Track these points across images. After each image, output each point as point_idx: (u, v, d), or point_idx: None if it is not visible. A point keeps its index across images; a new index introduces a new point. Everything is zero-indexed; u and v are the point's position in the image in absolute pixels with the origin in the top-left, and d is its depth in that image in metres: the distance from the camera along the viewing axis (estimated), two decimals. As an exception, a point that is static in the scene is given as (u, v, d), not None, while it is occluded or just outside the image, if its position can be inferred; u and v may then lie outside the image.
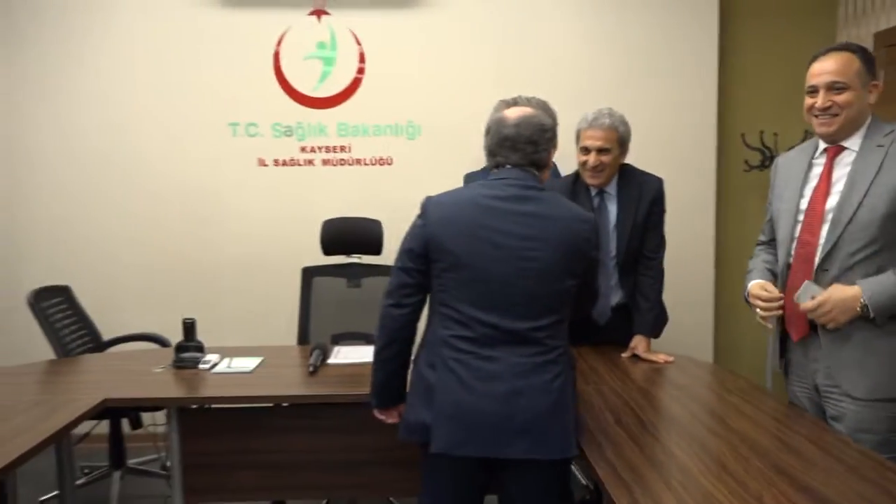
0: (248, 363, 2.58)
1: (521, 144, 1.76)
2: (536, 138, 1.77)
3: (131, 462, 3.35)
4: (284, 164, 3.72)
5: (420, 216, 1.76)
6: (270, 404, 2.52)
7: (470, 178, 3.21)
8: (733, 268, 3.79)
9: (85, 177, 3.70)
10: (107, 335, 3.33)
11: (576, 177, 2.70)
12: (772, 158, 3.65)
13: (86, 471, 3.29)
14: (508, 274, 1.68)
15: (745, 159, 3.87)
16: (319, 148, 3.73)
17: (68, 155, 3.69)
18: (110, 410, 2.57)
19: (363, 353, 2.61)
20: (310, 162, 3.73)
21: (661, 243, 2.73)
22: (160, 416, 3.23)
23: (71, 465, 2.65)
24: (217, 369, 2.54)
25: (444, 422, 1.67)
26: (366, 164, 3.76)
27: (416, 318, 1.79)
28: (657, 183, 2.70)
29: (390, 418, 1.90)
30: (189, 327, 2.64)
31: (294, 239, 3.61)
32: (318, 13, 3.69)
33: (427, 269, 1.74)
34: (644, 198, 2.65)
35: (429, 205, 1.76)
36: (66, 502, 2.62)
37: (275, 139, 3.71)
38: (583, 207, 2.67)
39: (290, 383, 2.42)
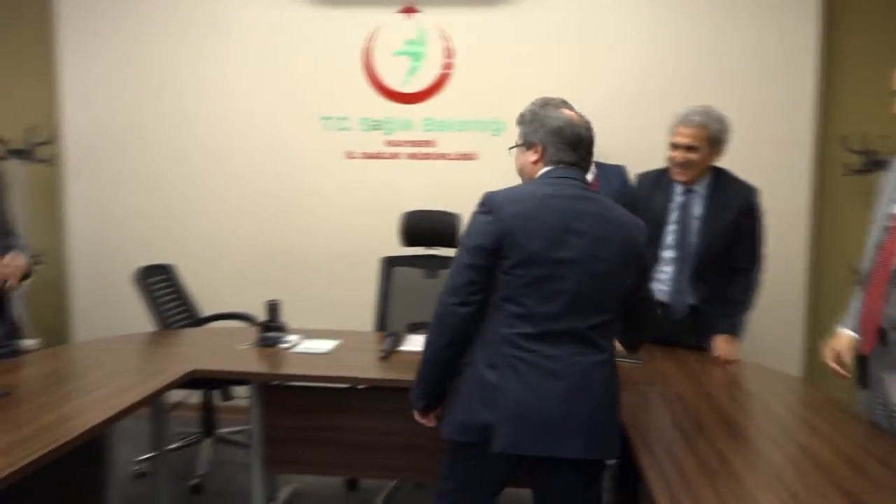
0: (325, 345, 2.72)
1: (585, 147, 1.81)
2: (592, 144, 1.84)
3: (221, 431, 3.60)
4: (371, 157, 3.86)
5: (486, 212, 1.72)
6: (345, 385, 2.65)
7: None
8: (830, 273, 3.62)
9: (189, 168, 3.98)
10: (205, 312, 3.59)
11: (663, 171, 2.72)
12: (876, 163, 3.45)
13: (180, 436, 3.55)
14: (580, 273, 1.69)
15: (847, 163, 3.66)
16: (406, 142, 3.85)
17: (175, 147, 3.98)
18: (202, 381, 2.78)
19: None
20: (395, 155, 3.85)
21: (755, 258, 2.67)
22: (246, 391, 3.44)
23: (165, 430, 2.88)
24: (296, 349, 2.70)
25: (509, 422, 1.67)
26: (450, 159, 3.84)
27: (480, 317, 1.75)
28: (750, 192, 2.64)
29: (430, 422, 1.90)
30: (273, 308, 2.81)
31: (378, 230, 3.73)
32: (409, 10, 3.79)
33: (494, 266, 1.71)
34: (733, 204, 2.61)
35: (495, 200, 1.72)
36: (159, 464, 2.85)
37: (363, 133, 3.86)
38: (663, 201, 2.73)
39: (363, 366, 2.53)
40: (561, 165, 1.79)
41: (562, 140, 1.79)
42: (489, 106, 3.79)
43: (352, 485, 3.23)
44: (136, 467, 3.29)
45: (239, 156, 3.95)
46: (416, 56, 3.82)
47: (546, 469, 1.74)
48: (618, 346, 2.03)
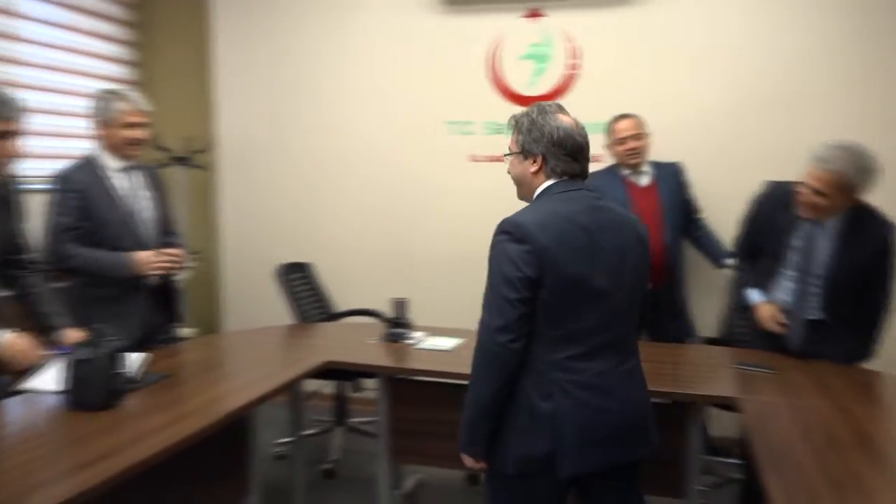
0: (449, 343, 2.83)
1: (585, 155, 1.76)
2: (589, 150, 1.78)
3: (352, 420, 3.81)
4: (495, 160, 3.93)
5: (518, 241, 1.64)
6: (466, 381, 2.73)
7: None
8: None
9: (326, 171, 4.25)
10: (339, 308, 3.82)
11: (792, 191, 2.50)
12: None
13: (315, 423, 3.81)
14: (615, 285, 1.69)
15: None
16: (530, 144, 3.89)
17: (314, 152, 4.26)
18: (335, 372, 2.97)
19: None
20: (520, 158, 3.90)
21: (882, 306, 2.49)
22: (374, 383, 3.63)
23: (301, 417, 3.11)
24: (421, 345, 2.83)
25: (572, 446, 1.65)
26: (575, 160, 3.84)
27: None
28: (888, 231, 2.43)
29: (480, 464, 1.78)
30: (400, 306, 2.96)
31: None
32: (534, 14, 3.83)
33: (536, 295, 1.64)
34: (869, 246, 2.42)
35: (525, 228, 1.64)
36: (296, 448, 3.08)
37: (487, 136, 3.95)
38: (786, 226, 2.53)
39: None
40: (565, 177, 1.74)
41: (563, 151, 1.73)
42: (614, 108, 3.72)
43: (472, 479, 3.32)
44: (276, 449, 3.57)
45: (370, 160, 4.16)
46: (541, 58, 3.85)
47: (600, 479, 1.75)
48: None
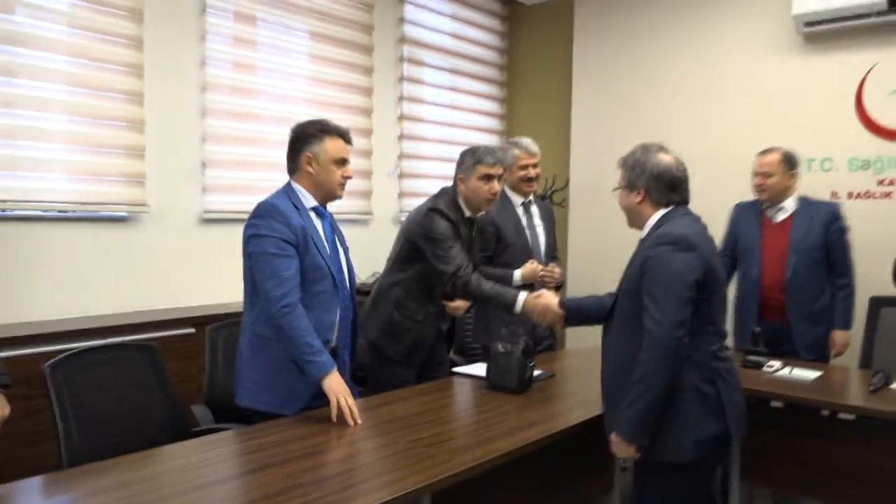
0: (809, 374, 2.89)
1: (684, 186, 2.13)
2: (688, 182, 2.15)
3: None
4: (859, 196, 3.84)
5: (687, 249, 1.96)
6: (827, 412, 2.78)
7: None
8: None
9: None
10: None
11: None
12: None
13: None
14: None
15: None
16: (900, 181, 3.73)
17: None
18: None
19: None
20: (888, 194, 3.76)
21: None
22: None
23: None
24: (778, 374, 2.93)
25: (734, 420, 2.00)
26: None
27: None
28: None
29: (636, 454, 1.99)
30: (756, 336, 3.10)
31: (870, 268, 3.63)
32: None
33: (699, 297, 1.96)
34: None
35: (691, 239, 1.98)
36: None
37: (850, 173, 3.87)
38: None
39: (851, 395, 2.64)
40: (671, 206, 2.09)
41: (662, 183, 2.08)
42: None
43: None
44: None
45: (723, 196, 4.24)
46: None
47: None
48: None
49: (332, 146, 2.24)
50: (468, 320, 3.40)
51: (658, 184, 2.08)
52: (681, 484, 2.03)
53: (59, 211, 3.14)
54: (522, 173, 3.25)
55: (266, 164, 3.86)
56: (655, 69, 4.61)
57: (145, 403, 2.25)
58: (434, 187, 2.99)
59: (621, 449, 2.00)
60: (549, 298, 2.52)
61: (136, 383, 2.25)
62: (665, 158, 2.10)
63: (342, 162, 2.27)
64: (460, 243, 2.74)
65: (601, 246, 4.84)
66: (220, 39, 3.70)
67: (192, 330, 3.23)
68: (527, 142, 3.32)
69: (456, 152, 2.99)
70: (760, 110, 4.17)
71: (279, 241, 2.14)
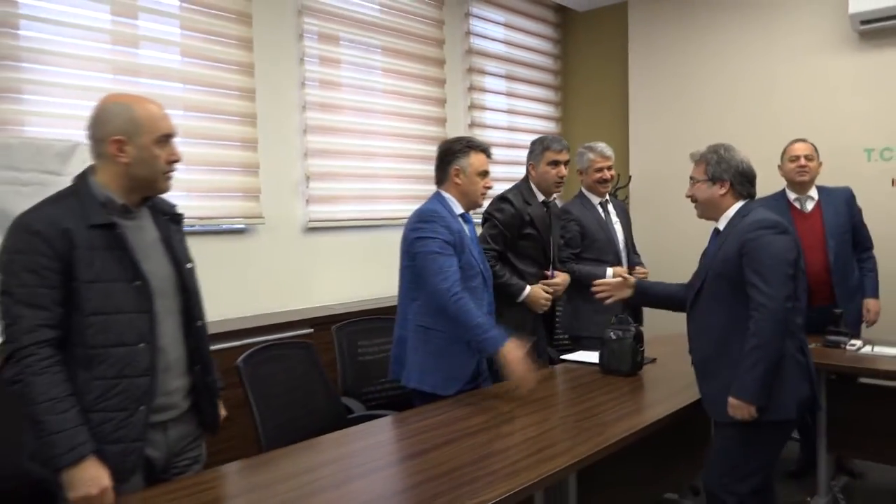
0: (891, 350, 3.11)
1: (755, 182, 2.41)
2: None
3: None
4: (917, 183, 4.06)
5: (783, 232, 2.23)
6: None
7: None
8: None
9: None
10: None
11: None
12: None
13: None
14: None
15: None
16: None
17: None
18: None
19: None
20: (945, 180, 3.97)
21: None
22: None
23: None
24: (861, 351, 3.15)
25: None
26: None
27: None
28: None
29: (755, 414, 2.19)
30: (837, 317, 3.31)
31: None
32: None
33: (795, 274, 2.22)
34: None
35: (782, 223, 2.26)
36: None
37: (909, 160, 4.09)
38: None
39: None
40: (749, 198, 2.35)
41: (745, 177, 2.35)
42: None
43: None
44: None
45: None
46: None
47: None
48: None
49: (476, 160, 2.53)
50: (557, 311, 3.65)
51: (742, 178, 2.35)
52: (781, 438, 2.35)
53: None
54: (598, 175, 3.51)
55: (355, 175, 4.17)
56: (710, 70, 4.84)
57: (311, 393, 2.53)
58: (499, 189, 3.30)
59: (741, 411, 2.18)
60: (538, 292, 3.08)
61: (301, 376, 2.54)
62: (742, 155, 2.39)
63: (485, 174, 2.54)
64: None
65: (660, 238, 5.06)
66: (312, 61, 3.99)
67: (311, 330, 3.50)
68: (601, 146, 3.56)
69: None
70: (817, 107, 4.39)
71: (442, 242, 2.42)
